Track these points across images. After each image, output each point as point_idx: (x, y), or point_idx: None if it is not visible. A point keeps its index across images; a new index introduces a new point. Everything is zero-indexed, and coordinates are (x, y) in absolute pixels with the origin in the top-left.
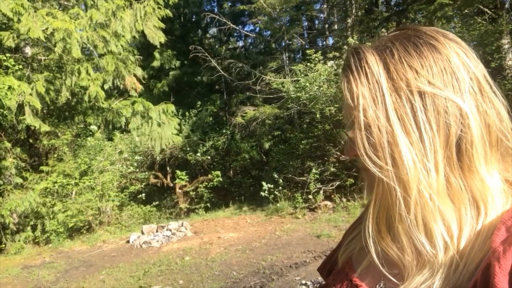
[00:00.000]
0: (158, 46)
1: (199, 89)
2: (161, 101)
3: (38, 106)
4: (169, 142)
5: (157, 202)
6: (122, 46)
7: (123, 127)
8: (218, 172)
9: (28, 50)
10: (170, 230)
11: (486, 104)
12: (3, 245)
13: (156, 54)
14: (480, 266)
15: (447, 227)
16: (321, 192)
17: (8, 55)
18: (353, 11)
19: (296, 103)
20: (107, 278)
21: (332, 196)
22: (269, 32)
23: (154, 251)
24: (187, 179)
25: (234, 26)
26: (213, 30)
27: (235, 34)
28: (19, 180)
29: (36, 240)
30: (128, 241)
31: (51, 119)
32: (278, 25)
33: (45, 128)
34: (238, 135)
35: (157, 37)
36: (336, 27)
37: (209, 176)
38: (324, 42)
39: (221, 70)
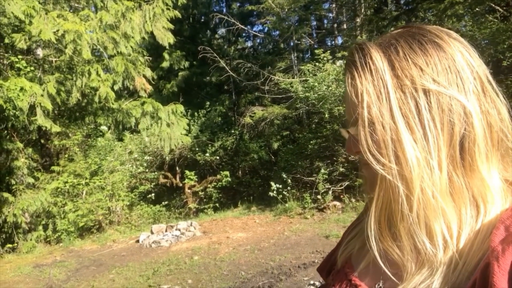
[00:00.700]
0: (167, 47)
1: (208, 89)
2: (170, 101)
3: (49, 107)
4: (178, 142)
5: (166, 202)
6: (131, 47)
7: (132, 127)
8: (227, 172)
9: (40, 52)
10: (179, 230)
11: (488, 104)
12: (16, 244)
13: (165, 55)
14: (479, 265)
15: (448, 226)
16: (330, 192)
17: (20, 57)
18: (362, 10)
19: (304, 103)
20: (117, 277)
21: (341, 196)
22: (277, 32)
23: (164, 251)
24: (196, 179)
25: (242, 26)
26: (221, 31)
27: (244, 34)
28: (31, 180)
29: (48, 239)
30: (137, 241)
31: (62, 119)
32: (287, 25)
33: (56, 128)
34: (247, 135)
35: (166, 38)
36: (345, 26)
37: (218, 176)
38: (333, 42)
39: (229, 71)
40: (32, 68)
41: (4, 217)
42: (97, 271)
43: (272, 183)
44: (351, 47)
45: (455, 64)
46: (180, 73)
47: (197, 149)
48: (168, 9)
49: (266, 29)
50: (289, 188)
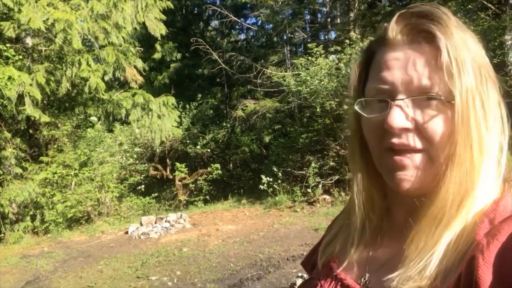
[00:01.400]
0: (159, 38)
1: (200, 81)
2: (161, 93)
3: (38, 96)
4: (169, 134)
5: (156, 194)
6: (123, 37)
7: (123, 118)
8: (218, 165)
9: (29, 41)
10: (169, 222)
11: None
12: (2, 235)
13: (157, 46)
14: (465, 258)
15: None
16: (320, 186)
17: (8, 45)
18: (356, 5)
19: (296, 97)
20: (105, 268)
21: (331, 190)
22: (271, 25)
23: (153, 242)
24: (187, 172)
25: (236, 19)
26: (214, 23)
27: (237, 27)
28: (18, 170)
29: (35, 230)
30: (126, 232)
31: (51, 110)
32: (280, 18)
33: (45, 118)
34: (238, 128)
35: (158, 29)
36: (338, 21)
37: (209, 168)
38: (326, 36)
39: (222, 63)
40: (21, 57)
41: None
42: (85, 262)
43: (263, 176)
44: (436, 14)
45: None
46: (172, 65)
47: (188, 141)
48: None
49: (259, 22)
50: (279, 181)
